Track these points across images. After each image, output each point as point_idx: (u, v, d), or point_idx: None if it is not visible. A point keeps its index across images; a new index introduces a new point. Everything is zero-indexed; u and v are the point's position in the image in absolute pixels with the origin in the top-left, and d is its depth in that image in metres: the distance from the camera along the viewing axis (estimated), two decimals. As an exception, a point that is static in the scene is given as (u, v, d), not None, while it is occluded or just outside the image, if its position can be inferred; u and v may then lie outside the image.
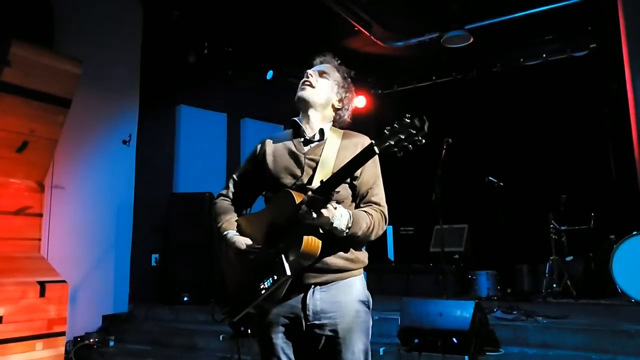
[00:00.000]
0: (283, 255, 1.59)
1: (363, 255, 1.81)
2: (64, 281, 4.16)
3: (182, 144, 6.59)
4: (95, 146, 5.52)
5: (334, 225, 1.61)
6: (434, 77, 7.90)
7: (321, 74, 1.92)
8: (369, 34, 6.47)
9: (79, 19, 5.31)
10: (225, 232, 1.82)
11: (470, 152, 6.71)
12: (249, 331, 3.82)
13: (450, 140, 5.11)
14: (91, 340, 4.82)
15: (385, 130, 1.47)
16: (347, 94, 1.95)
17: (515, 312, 4.27)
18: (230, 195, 1.95)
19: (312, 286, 1.71)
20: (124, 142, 5.77)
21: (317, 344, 1.72)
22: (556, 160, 6.58)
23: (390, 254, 7.27)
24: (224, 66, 6.69)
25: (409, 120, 1.45)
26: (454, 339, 3.55)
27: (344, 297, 1.73)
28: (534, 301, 5.29)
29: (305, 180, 1.75)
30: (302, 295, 1.71)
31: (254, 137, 7.36)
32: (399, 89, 8.32)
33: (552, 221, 5.66)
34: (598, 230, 5.52)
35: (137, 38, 6.00)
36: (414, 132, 1.43)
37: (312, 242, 1.59)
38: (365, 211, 1.75)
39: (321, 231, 1.62)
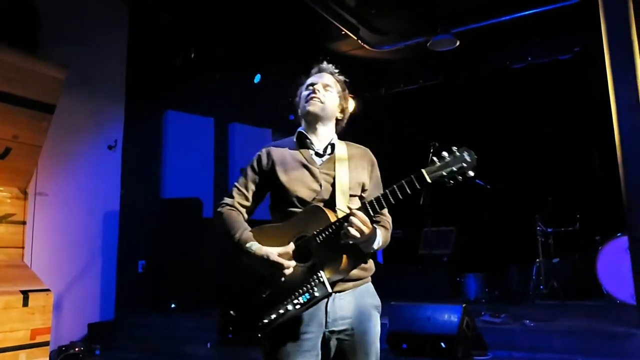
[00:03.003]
0: (323, 273, 1.63)
1: (372, 263, 1.90)
2: (48, 290, 4.10)
3: (169, 149, 6.54)
4: (80, 152, 5.46)
5: (372, 245, 1.72)
6: (421, 80, 7.94)
7: (325, 86, 1.93)
8: (356, 38, 6.49)
9: (64, 22, 5.25)
10: (248, 244, 1.77)
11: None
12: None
13: (437, 143, 5.13)
14: (76, 349, 4.72)
15: (436, 160, 1.55)
16: (347, 104, 2.01)
17: (502, 316, 4.29)
18: (237, 205, 1.91)
19: (333, 293, 1.74)
20: (110, 147, 5.71)
21: (331, 348, 1.76)
22: (542, 162, 6.63)
23: (379, 257, 7.28)
24: (211, 70, 6.66)
25: (459, 153, 1.53)
26: (442, 344, 3.56)
27: (361, 303, 1.80)
28: (522, 303, 5.32)
29: (326, 196, 1.79)
30: (324, 302, 1.73)
31: (241, 141, 7.34)
32: (387, 92, 8.34)
33: (539, 223, 5.70)
34: (584, 232, 5.58)
35: (123, 42, 5.95)
36: (465, 165, 1.52)
37: (347, 261, 1.67)
38: (385, 226, 1.85)
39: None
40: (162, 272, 5.77)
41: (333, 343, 1.76)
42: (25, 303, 3.86)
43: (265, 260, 1.70)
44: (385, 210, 1.84)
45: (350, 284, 1.79)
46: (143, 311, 5.67)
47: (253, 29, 6.32)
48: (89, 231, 5.44)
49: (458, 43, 6.29)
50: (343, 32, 6.34)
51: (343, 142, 1.96)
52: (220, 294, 5.63)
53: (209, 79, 6.65)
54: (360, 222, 1.61)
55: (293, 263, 1.69)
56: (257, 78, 6.99)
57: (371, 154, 1.97)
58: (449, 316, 3.61)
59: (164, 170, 6.49)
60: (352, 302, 1.78)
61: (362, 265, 1.82)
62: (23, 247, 4.32)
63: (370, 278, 1.88)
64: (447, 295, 5.99)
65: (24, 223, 4.35)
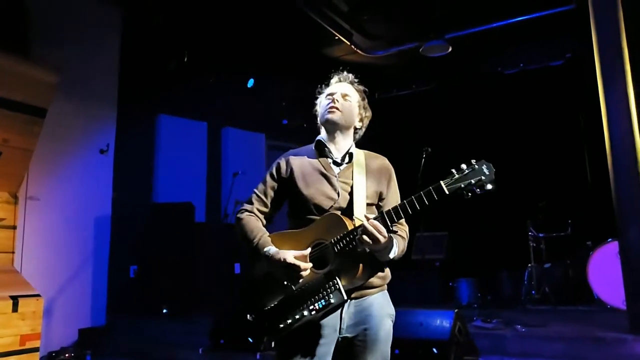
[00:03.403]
0: (339, 280, 1.66)
1: (389, 272, 1.92)
2: (38, 295, 4.05)
3: (162, 154, 6.51)
4: (72, 156, 5.42)
5: (389, 254, 1.73)
6: (414, 86, 7.98)
7: (344, 96, 1.96)
8: (349, 43, 6.51)
9: (56, 25, 5.22)
10: (266, 249, 1.79)
11: (450, 160, 6.74)
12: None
13: (429, 149, 5.15)
14: (67, 355, 4.68)
15: (455, 172, 1.59)
16: (366, 114, 2.03)
17: (494, 321, 4.30)
18: (256, 211, 1.94)
19: (349, 300, 1.77)
20: (102, 151, 5.67)
21: (342, 352, 1.79)
22: (534, 167, 6.67)
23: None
24: (204, 74, 6.65)
25: (477, 166, 1.58)
26: (434, 349, 3.56)
27: (375, 311, 1.82)
28: (514, 308, 5.34)
29: (343, 205, 1.82)
30: (339, 309, 1.75)
31: (234, 146, 7.32)
32: (380, 97, 8.37)
33: (531, 228, 5.73)
34: (575, 237, 5.61)
35: (115, 45, 5.92)
36: (484, 178, 1.56)
37: (363, 269, 1.69)
38: (402, 236, 1.87)
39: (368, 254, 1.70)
40: (153, 276, 5.73)
41: (345, 348, 1.79)
42: (15, 308, 3.81)
43: (282, 263, 1.72)
44: (403, 220, 1.86)
45: (366, 291, 1.82)
46: (134, 316, 5.63)
47: (247, 34, 6.33)
48: (80, 236, 5.40)
49: (451, 49, 6.33)
50: (336, 37, 6.37)
51: (361, 150, 1.99)
52: (215, 297, 5.61)
53: (202, 83, 6.65)
54: (376, 231, 1.62)
55: (310, 265, 1.72)
56: (251, 82, 6.99)
57: (389, 163, 1.99)
58: (441, 321, 3.61)
59: (157, 175, 6.46)
60: (367, 310, 1.81)
61: (379, 273, 1.84)
62: (13, 252, 4.27)
63: (386, 286, 1.90)
64: (440, 300, 6.00)
65: (14, 228, 4.31)
